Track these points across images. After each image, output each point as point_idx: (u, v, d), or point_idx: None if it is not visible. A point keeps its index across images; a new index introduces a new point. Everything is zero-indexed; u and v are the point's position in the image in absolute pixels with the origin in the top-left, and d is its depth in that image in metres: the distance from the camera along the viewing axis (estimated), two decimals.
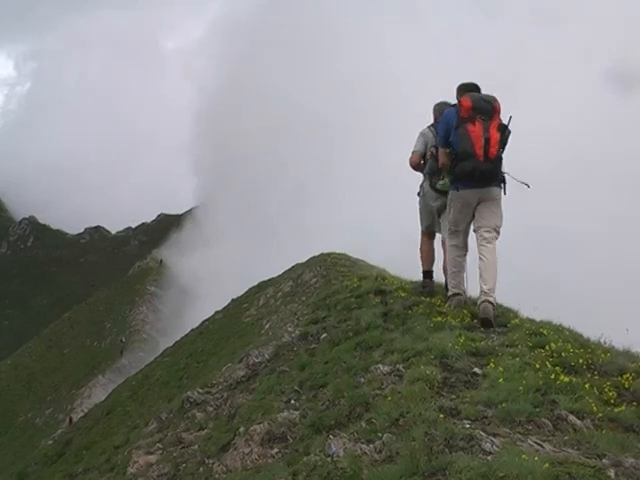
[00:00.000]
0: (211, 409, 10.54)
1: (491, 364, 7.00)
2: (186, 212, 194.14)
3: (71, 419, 56.98)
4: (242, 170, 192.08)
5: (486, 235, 9.39)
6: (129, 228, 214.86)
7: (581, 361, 6.99)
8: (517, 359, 7.08)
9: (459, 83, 9.74)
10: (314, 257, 36.26)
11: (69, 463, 28.13)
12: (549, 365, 6.77)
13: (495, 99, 9.28)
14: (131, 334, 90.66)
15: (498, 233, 9.54)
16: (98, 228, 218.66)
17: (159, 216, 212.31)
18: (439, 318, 9.26)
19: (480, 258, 9.33)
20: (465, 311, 9.58)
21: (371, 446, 5.86)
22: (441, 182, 9.99)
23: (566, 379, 6.35)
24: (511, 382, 6.33)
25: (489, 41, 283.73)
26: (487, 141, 8.93)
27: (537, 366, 6.76)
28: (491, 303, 9.04)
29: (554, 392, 6.17)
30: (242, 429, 7.76)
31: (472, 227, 9.77)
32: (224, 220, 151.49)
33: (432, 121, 11.05)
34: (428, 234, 11.34)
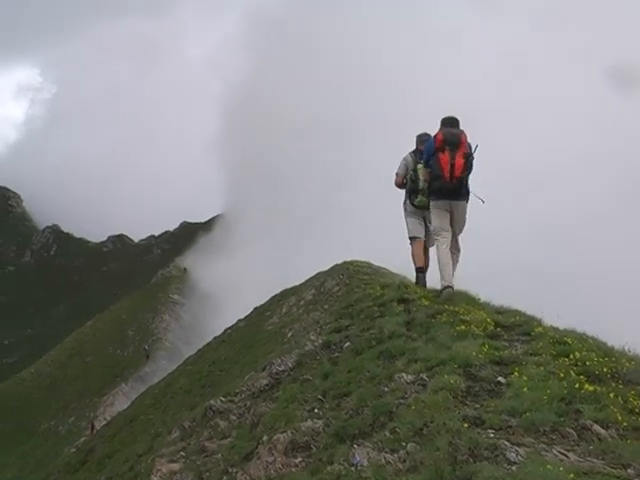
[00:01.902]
0: (234, 418, 10.52)
1: (515, 373, 6.97)
2: (209, 220, 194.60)
3: (93, 425, 57.06)
4: (266, 180, 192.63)
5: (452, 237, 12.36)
6: (152, 236, 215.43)
7: (605, 370, 6.94)
8: (541, 368, 7.04)
9: (442, 117, 12.40)
10: (336, 265, 36.19)
11: (92, 471, 28.14)
12: (573, 374, 6.73)
13: (462, 133, 12.03)
14: (154, 342, 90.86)
15: (460, 232, 12.59)
16: (121, 236, 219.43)
17: (182, 224, 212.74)
18: (462, 327, 9.23)
19: (453, 242, 12.45)
20: (488, 319, 9.58)
21: (395, 456, 5.85)
22: (417, 200, 13.24)
23: (590, 388, 6.31)
24: (535, 391, 6.30)
25: (490, 41, 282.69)
26: (452, 166, 11.73)
27: (561, 375, 6.73)
28: (449, 287, 11.93)
29: (578, 401, 6.13)
30: (265, 438, 7.75)
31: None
32: (247, 229, 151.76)
33: (414, 147, 13.76)
34: (413, 240, 13.67)
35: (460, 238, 12.65)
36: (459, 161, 11.69)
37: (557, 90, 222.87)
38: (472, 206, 12.47)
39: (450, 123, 12.24)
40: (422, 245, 13.53)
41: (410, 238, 13.66)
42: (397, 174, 13.53)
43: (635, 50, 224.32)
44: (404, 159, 13.46)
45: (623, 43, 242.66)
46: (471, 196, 12.31)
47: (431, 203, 12.42)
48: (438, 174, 11.89)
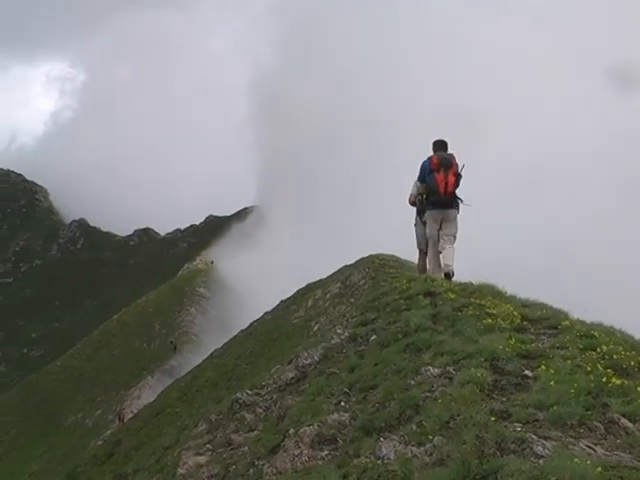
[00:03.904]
0: (260, 411, 10.53)
1: (542, 366, 6.94)
2: (235, 214, 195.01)
3: (122, 417, 57.09)
4: (293, 174, 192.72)
5: (446, 238, 14.79)
6: (178, 230, 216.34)
7: (633, 363, 6.92)
8: (568, 361, 7.02)
9: (434, 139, 15.00)
10: (362, 259, 36.22)
11: (118, 464, 28.28)
12: (600, 367, 6.70)
13: (452, 156, 14.61)
14: (180, 335, 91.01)
15: (455, 237, 14.88)
16: (147, 230, 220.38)
17: (207, 218, 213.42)
18: (489, 320, 9.21)
19: (443, 249, 14.80)
20: (515, 312, 9.56)
21: (422, 449, 5.85)
22: (424, 218, 15.35)
23: (618, 382, 6.28)
24: (562, 385, 6.27)
25: (489, 41, 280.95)
26: (446, 184, 14.44)
27: (588, 368, 6.70)
28: (451, 270, 14.36)
29: (606, 395, 6.11)
30: (292, 431, 7.75)
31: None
32: (273, 222, 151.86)
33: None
34: (420, 252, 16.40)
35: (454, 249, 14.84)
36: (451, 179, 14.45)
37: (556, 90, 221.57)
38: (473, 208, 15.17)
39: (441, 147, 14.85)
40: (425, 257, 16.18)
41: (418, 249, 16.37)
42: (411, 194, 15.50)
43: (635, 50, 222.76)
44: (415, 183, 15.42)
45: (623, 43, 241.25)
46: (462, 206, 14.98)
47: (427, 213, 15.01)
48: (434, 189, 14.55)
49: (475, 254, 15.81)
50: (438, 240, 14.99)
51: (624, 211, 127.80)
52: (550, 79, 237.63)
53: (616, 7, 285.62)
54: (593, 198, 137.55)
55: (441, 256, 14.99)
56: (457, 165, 14.62)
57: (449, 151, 15.02)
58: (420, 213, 15.56)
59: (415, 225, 16.07)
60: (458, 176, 14.65)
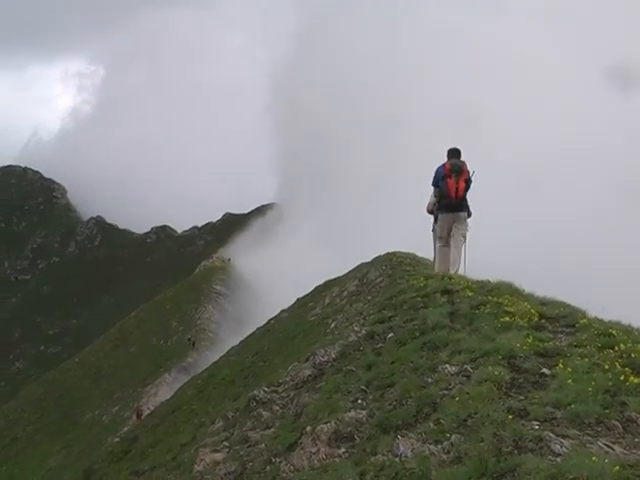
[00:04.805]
0: (277, 408, 10.55)
1: (560, 365, 6.94)
2: (251, 211, 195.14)
3: (139, 413, 56.98)
4: (311, 172, 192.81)
5: (456, 237, 15.92)
6: (195, 227, 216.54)
7: None
8: (586, 360, 7.01)
9: (449, 147, 16.03)
10: (379, 256, 36.17)
11: (135, 460, 28.32)
12: (618, 366, 6.68)
13: (464, 163, 15.64)
14: (197, 333, 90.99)
15: (464, 237, 16.01)
16: (164, 227, 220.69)
17: (224, 215, 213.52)
18: (507, 318, 9.20)
19: (453, 248, 15.95)
20: (533, 310, 9.55)
21: (439, 447, 5.86)
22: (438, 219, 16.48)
23: (636, 380, 6.26)
24: (580, 383, 6.26)
25: (489, 41, 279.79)
26: (457, 189, 15.51)
27: (606, 367, 6.69)
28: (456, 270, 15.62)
29: (624, 393, 6.09)
30: (309, 428, 7.76)
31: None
32: (290, 220, 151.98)
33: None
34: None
35: (463, 249, 16.13)
36: (461, 185, 15.55)
37: (556, 90, 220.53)
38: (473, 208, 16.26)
39: (454, 154, 15.89)
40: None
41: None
42: (429, 203, 16.61)
43: (635, 50, 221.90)
44: (432, 194, 16.46)
45: (623, 43, 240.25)
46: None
47: (439, 216, 16.19)
48: (446, 194, 15.64)
49: (475, 254, 15.92)
50: (448, 239, 16.19)
51: (624, 211, 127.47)
52: (550, 79, 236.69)
53: (616, 7, 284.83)
54: (593, 198, 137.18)
55: (450, 253, 16.15)
56: (468, 172, 15.73)
57: (462, 158, 16.07)
58: (436, 220, 16.62)
59: (433, 231, 17.07)
60: (468, 182, 15.78)
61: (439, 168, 16.00)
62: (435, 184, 16.13)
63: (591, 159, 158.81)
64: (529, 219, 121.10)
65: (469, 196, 16.10)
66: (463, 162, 15.89)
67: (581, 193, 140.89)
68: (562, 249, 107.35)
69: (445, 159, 16.15)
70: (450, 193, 15.69)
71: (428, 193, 16.35)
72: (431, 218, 17.03)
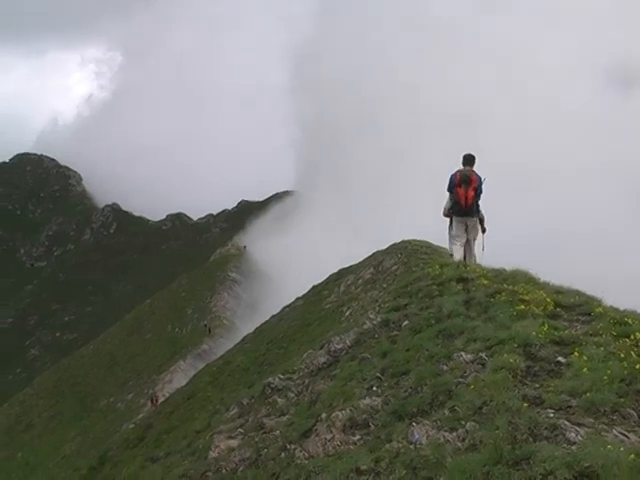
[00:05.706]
0: (292, 395, 10.58)
1: (575, 353, 6.93)
2: (267, 199, 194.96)
3: (155, 399, 56.99)
4: (327, 160, 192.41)
5: (469, 241, 17.07)
6: (210, 215, 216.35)
7: None
8: (601, 348, 7.00)
9: (464, 153, 17.01)
10: (394, 244, 36.11)
11: (149, 447, 28.37)
12: (634, 355, 6.65)
13: (473, 172, 16.54)
14: (212, 320, 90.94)
15: (474, 239, 17.11)
16: (180, 215, 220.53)
17: (240, 203, 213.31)
18: (522, 306, 9.17)
19: (467, 249, 17.03)
20: (548, 299, 9.53)
21: (454, 434, 5.87)
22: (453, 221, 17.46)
23: None
24: (595, 371, 6.26)
25: (489, 41, 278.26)
26: (466, 198, 16.46)
27: (622, 355, 6.67)
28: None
29: (639, 382, 6.08)
30: (324, 415, 7.79)
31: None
32: (306, 207, 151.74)
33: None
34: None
35: (475, 245, 17.32)
36: (470, 194, 16.54)
37: (557, 90, 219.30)
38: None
39: (468, 161, 16.84)
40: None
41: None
42: (444, 207, 17.43)
43: (635, 50, 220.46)
44: (448, 198, 17.28)
45: (623, 43, 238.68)
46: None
47: (453, 218, 17.09)
48: (457, 202, 16.65)
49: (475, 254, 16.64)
50: (463, 239, 17.25)
51: (624, 211, 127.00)
52: (550, 79, 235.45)
53: (616, 7, 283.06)
54: (593, 198, 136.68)
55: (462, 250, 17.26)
56: (476, 180, 16.71)
57: (476, 163, 17.11)
58: (452, 222, 17.58)
59: (449, 232, 17.90)
60: (477, 190, 16.82)
61: (452, 176, 17.02)
62: (449, 189, 17.12)
63: (591, 159, 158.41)
64: (529, 220, 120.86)
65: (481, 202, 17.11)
66: (472, 171, 16.88)
67: (581, 193, 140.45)
68: (562, 250, 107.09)
69: (460, 165, 16.98)
70: (460, 201, 16.77)
71: (443, 187, 17.14)
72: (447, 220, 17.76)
